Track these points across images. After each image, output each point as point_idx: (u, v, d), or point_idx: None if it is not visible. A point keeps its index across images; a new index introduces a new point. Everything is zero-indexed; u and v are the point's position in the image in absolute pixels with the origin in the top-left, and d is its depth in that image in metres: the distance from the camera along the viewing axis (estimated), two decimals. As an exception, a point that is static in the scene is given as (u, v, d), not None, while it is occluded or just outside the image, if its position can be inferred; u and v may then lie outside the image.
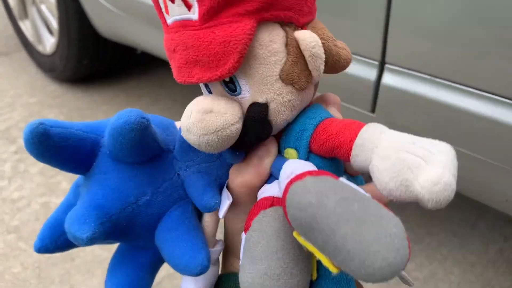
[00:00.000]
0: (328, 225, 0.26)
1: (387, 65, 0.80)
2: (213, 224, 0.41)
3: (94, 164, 0.37)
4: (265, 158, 0.37)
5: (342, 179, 0.30)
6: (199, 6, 0.31)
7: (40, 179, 1.48)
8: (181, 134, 0.35)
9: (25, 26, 2.09)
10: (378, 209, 0.26)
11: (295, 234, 0.31)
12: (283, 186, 0.32)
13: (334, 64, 0.36)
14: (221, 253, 0.44)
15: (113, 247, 1.26)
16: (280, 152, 0.38)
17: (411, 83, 0.78)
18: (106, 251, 1.20)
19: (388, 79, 0.80)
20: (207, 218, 0.41)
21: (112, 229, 0.36)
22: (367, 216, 0.26)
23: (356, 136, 0.33)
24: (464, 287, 1.09)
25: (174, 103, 1.90)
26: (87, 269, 1.16)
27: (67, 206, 0.40)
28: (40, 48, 2.02)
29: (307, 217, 0.27)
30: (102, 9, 1.56)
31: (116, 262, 0.41)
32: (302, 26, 0.35)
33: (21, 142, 1.67)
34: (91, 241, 0.33)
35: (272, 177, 0.38)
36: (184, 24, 0.33)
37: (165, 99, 1.93)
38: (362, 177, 0.41)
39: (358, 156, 0.32)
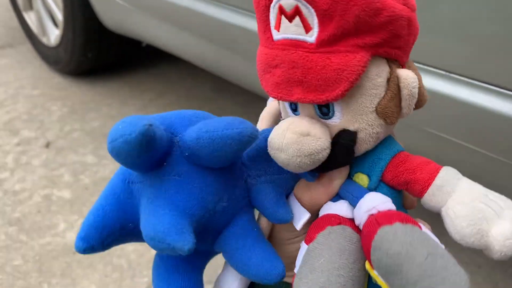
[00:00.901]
0: (411, 276, 0.30)
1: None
2: (267, 230, 0.42)
3: (165, 164, 0.35)
4: (336, 179, 0.39)
5: (426, 230, 0.33)
6: (320, 31, 0.32)
7: (43, 171, 1.47)
8: (269, 150, 0.35)
9: (30, 18, 2.07)
10: (455, 266, 0.30)
11: (367, 266, 0.33)
12: (363, 218, 0.35)
13: (418, 102, 0.38)
14: None
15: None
16: (349, 175, 0.39)
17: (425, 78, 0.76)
18: (108, 245, 1.19)
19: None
20: (264, 222, 0.42)
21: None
22: (446, 274, 0.29)
23: (435, 176, 0.35)
24: (471, 289, 1.08)
25: (178, 98, 1.88)
26: (89, 263, 1.15)
27: (116, 203, 0.36)
28: (44, 40, 2.00)
29: (393, 265, 0.31)
30: (108, 2, 1.55)
31: (171, 268, 0.39)
32: (403, 65, 0.37)
33: (23, 134, 1.66)
34: (192, 250, 0.31)
35: (337, 195, 0.39)
36: (296, 44, 0.34)
37: (169, 94, 1.92)
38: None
39: (434, 196, 0.35)
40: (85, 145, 1.60)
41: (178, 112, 0.38)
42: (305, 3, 0.32)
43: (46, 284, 1.10)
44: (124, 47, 1.93)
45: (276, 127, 0.35)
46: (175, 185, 0.35)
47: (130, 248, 1.18)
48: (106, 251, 1.15)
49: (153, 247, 0.32)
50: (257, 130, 0.34)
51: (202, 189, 0.35)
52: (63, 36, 1.83)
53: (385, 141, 0.39)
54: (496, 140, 0.72)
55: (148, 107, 1.82)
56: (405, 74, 0.35)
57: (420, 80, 0.37)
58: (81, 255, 1.17)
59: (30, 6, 2.05)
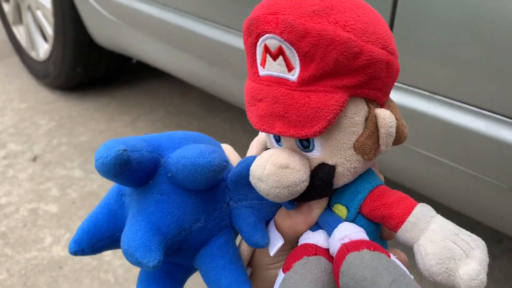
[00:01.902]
0: None
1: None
2: (248, 253, 0.43)
3: (151, 182, 0.38)
4: (315, 208, 0.40)
5: (394, 258, 0.34)
6: (301, 71, 0.34)
7: (29, 185, 1.46)
8: (250, 179, 0.37)
9: (19, 32, 2.08)
10: None
11: None
12: (336, 246, 0.36)
13: (397, 140, 0.39)
14: None
15: (103, 255, 1.23)
16: (328, 205, 0.41)
17: (408, 99, 0.79)
18: (95, 260, 1.19)
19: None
20: (244, 247, 0.43)
21: (165, 251, 0.37)
22: None
23: (410, 213, 0.37)
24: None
25: (166, 114, 1.90)
26: (75, 277, 1.14)
27: (108, 212, 0.40)
28: (33, 54, 2.01)
29: None
30: (99, 18, 1.56)
31: (152, 276, 0.42)
32: (382, 104, 0.38)
33: (10, 147, 1.65)
34: (156, 267, 0.34)
35: (316, 224, 0.41)
36: (279, 81, 0.35)
37: (157, 110, 1.93)
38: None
39: (408, 232, 0.36)
40: (73, 159, 1.59)
41: (170, 134, 0.42)
42: (288, 44, 0.34)
43: (31, 298, 1.09)
44: (114, 63, 1.94)
45: (257, 157, 0.37)
46: (155, 203, 0.38)
47: (117, 263, 1.18)
48: (93, 266, 1.15)
49: (127, 259, 0.35)
50: (226, 161, 0.36)
51: (180, 209, 0.38)
52: (53, 50, 1.83)
53: (365, 174, 0.40)
54: (477, 158, 0.75)
55: (136, 122, 1.83)
56: (382, 114, 0.36)
57: (399, 118, 0.39)
58: (68, 270, 1.16)
59: (19, 20, 2.06)
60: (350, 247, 0.35)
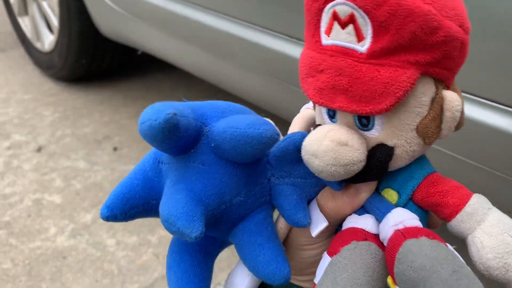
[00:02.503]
0: None
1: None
2: (285, 231, 0.42)
3: (192, 150, 0.36)
4: (362, 192, 0.38)
5: (452, 248, 0.33)
6: (373, 43, 0.32)
7: (33, 175, 1.46)
8: (303, 155, 0.35)
9: (24, 23, 2.07)
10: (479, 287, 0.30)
11: (389, 281, 0.33)
12: (389, 232, 0.35)
13: (457, 126, 0.37)
14: None
15: (106, 246, 1.24)
16: (377, 189, 0.39)
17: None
18: (98, 251, 1.19)
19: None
20: (281, 225, 0.42)
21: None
22: None
23: (466, 203, 0.35)
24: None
25: (171, 106, 1.89)
26: (79, 267, 1.14)
27: (143, 178, 0.38)
28: (38, 45, 2.00)
29: (417, 278, 0.30)
30: (105, 9, 1.56)
31: (184, 248, 0.41)
32: (449, 87, 0.36)
33: (15, 137, 1.65)
34: (199, 238, 0.33)
35: (362, 208, 0.39)
36: (346, 52, 0.33)
37: (162, 103, 1.92)
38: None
39: (463, 222, 0.35)
40: (77, 151, 1.59)
41: (213, 103, 0.40)
42: (362, 12, 0.31)
43: (35, 288, 1.09)
44: (119, 55, 1.94)
45: (313, 132, 0.35)
46: (197, 173, 0.36)
47: (120, 254, 1.18)
48: (97, 256, 1.15)
49: (166, 228, 0.33)
50: (277, 134, 0.34)
51: (221, 181, 0.36)
52: (58, 42, 1.83)
53: (419, 160, 0.38)
54: (484, 150, 0.74)
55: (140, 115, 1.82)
56: (450, 96, 0.35)
57: (463, 103, 0.37)
58: (72, 260, 1.16)
59: (25, 11, 2.05)
60: (407, 233, 0.33)
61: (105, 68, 2.02)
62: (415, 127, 0.35)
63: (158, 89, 2.04)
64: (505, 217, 0.34)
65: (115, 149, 1.60)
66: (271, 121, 0.43)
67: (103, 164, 1.53)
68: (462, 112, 0.37)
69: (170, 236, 0.41)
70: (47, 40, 1.92)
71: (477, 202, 0.35)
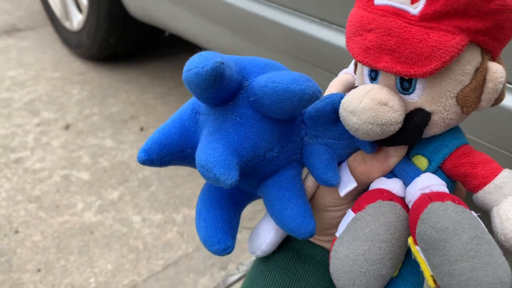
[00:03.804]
0: (454, 254, 0.30)
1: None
2: (312, 190, 0.43)
3: (231, 103, 0.37)
4: (392, 156, 0.39)
5: (476, 215, 0.33)
6: (427, 5, 0.32)
7: (62, 152, 1.50)
8: (340, 112, 0.35)
9: (54, 2, 2.10)
10: (499, 256, 0.31)
11: (410, 240, 0.34)
12: (415, 195, 0.35)
13: (497, 99, 0.37)
14: None
15: (132, 222, 1.26)
16: (408, 155, 0.39)
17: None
18: (125, 227, 1.21)
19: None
20: (309, 183, 0.43)
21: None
22: (489, 259, 0.30)
23: (496, 176, 0.36)
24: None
25: (196, 88, 1.90)
26: (106, 243, 1.18)
27: (181, 127, 0.39)
28: (67, 24, 2.03)
29: (438, 239, 0.31)
30: (134, -12, 1.57)
31: (215, 197, 0.42)
32: (494, 59, 0.36)
33: (44, 115, 1.68)
34: (233, 185, 0.34)
35: (391, 173, 0.40)
36: (397, 13, 0.33)
37: (187, 84, 1.93)
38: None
39: (490, 194, 0.35)
40: (104, 129, 1.62)
41: (253, 59, 0.40)
42: None
43: (63, 260, 1.12)
44: (146, 35, 1.95)
45: (353, 90, 0.35)
46: (234, 124, 0.37)
47: (146, 231, 1.20)
48: (123, 232, 1.17)
49: (202, 174, 0.35)
50: (319, 91, 0.34)
51: (257, 135, 0.37)
52: (86, 21, 1.85)
53: (453, 130, 0.39)
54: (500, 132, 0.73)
55: (166, 96, 1.84)
56: (495, 68, 0.34)
57: (506, 76, 0.37)
58: (99, 235, 1.19)
59: (54, -10, 2.08)
60: (433, 196, 0.34)
61: (132, 49, 2.04)
62: (456, 95, 0.35)
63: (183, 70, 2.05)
64: None
65: (141, 129, 1.63)
66: None
67: (129, 143, 1.55)
68: (504, 86, 0.37)
69: (194, 215, 0.42)
70: (76, 19, 1.94)
71: (507, 176, 0.35)
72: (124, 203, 1.30)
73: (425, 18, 0.32)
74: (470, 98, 0.35)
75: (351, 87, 0.45)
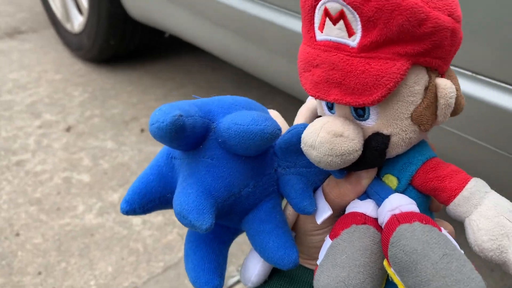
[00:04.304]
0: (425, 275, 0.31)
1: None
2: (293, 218, 0.44)
3: (202, 146, 0.39)
4: (364, 178, 0.40)
5: (445, 233, 0.34)
6: (363, 37, 0.33)
7: (63, 154, 1.50)
8: (302, 146, 0.36)
9: (55, 4, 2.10)
10: (471, 270, 0.31)
11: (385, 263, 0.35)
12: (386, 217, 0.36)
13: (454, 111, 0.38)
14: None
15: (133, 225, 1.26)
16: (378, 175, 0.40)
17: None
18: (125, 229, 1.21)
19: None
20: (289, 212, 0.44)
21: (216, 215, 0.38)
22: (461, 276, 0.30)
23: (463, 187, 0.36)
24: None
25: (198, 89, 1.90)
26: (106, 245, 1.18)
27: (158, 174, 0.41)
28: (68, 26, 2.03)
29: (409, 262, 0.32)
30: (134, -10, 1.57)
31: (201, 238, 0.43)
32: (443, 74, 0.37)
33: (45, 117, 1.69)
34: (209, 230, 0.35)
35: (364, 194, 0.41)
36: (337, 47, 0.34)
37: (189, 85, 1.93)
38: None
39: (460, 206, 0.36)
40: (105, 131, 1.62)
41: (220, 99, 0.41)
42: (350, 8, 0.32)
43: (64, 263, 1.13)
44: (147, 36, 1.95)
45: (310, 124, 0.36)
46: (207, 167, 0.38)
47: (146, 233, 1.20)
48: (123, 235, 1.17)
49: (179, 221, 0.36)
50: (279, 129, 0.36)
51: (230, 174, 0.38)
52: (87, 23, 1.85)
53: (418, 146, 0.39)
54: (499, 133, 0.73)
55: (168, 97, 1.84)
56: (443, 84, 0.35)
57: (458, 89, 0.37)
58: (99, 238, 1.19)
59: (55, -8, 2.08)
60: (401, 218, 0.34)
61: (133, 50, 2.04)
62: (410, 115, 0.36)
63: (185, 71, 2.05)
64: (503, 200, 0.35)
65: (142, 130, 1.63)
66: (277, 113, 0.45)
67: (130, 145, 1.55)
68: (459, 97, 0.37)
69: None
70: (77, 21, 1.95)
71: (474, 186, 0.36)
72: (125, 205, 1.30)
73: (364, 49, 0.33)
74: (425, 116, 0.36)
75: (317, 113, 0.46)
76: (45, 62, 2.09)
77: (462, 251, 0.33)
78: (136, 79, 1.98)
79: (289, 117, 0.48)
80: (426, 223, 0.34)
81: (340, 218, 0.39)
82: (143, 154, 1.50)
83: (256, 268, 0.45)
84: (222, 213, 0.39)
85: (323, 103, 0.39)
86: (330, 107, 0.39)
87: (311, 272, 0.46)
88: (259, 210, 0.41)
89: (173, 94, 1.86)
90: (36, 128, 1.63)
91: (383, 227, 0.36)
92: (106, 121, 1.68)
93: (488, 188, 0.36)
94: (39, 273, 1.10)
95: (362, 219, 0.38)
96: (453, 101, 0.36)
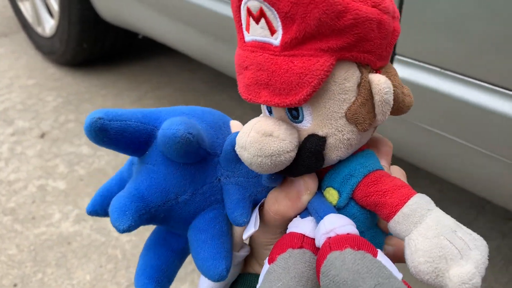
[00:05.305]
0: None
1: (397, 56, 0.79)
2: (242, 230, 0.42)
3: (147, 152, 0.39)
4: (304, 194, 0.38)
5: (380, 257, 0.32)
6: (283, 34, 0.32)
7: (37, 161, 1.47)
8: (236, 148, 0.35)
9: (25, 7, 2.06)
10: None
11: None
12: (321, 240, 0.34)
13: (397, 109, 0.36)
14: None
15: (111, 231, 1.25)
16: (320, 188, 0.38)
17: (419, 75, 0.77)
18: (103, 236, 1.19)
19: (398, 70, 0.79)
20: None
21: (151, 219, 0.39)
22: None
23: (404, 203, 0.33)
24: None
25: (174, 90, 1.88)
26: (84, 253, 1.16)
27: (120, 179, 0.43)
28: (39, 30, 1.99)
29: None
30: (105, -8, 1.54)
31: (151, 243, 0.43)
32: (377, 70, 0.35)
33: (18, 124, 1.65)
34: (127, 231, 0.36)
35: (306, 210, 0.38)
36: (263, 46, 0.33)
37: (165, 87, 1.91)
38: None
39: (400, 224, 0.33)
40: (80, 136, 1.60)
41: (175, 109, 0.41)
42: (267, 5, 0.31)
43: (41, 273, 1.10)
44: (120, 39, 1.92)
45: (244, 126, 0.35)
46: (147, 172, 0.39)
47: (124, 239, 1.19)
48: (101, 242, 1.15)
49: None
50: (189, 133, 0.35)
51: (165, 180, 0.38)
52: (59, 26, 1.82)
53: (361, 157, 0.37)
54: (487, 135, 0.73)
55: (143, 99, 1.82)
56: (376, 80, 0.33)
57: (398, 86, 0.36)
58: (76, 246, 1.17)
59: (25, -5, 2.04)
60: (333, 245, 0.32)
61: (107, 53, 2.01)
62: (344, 114, 0.34)
63: (161, 72, 2.03)
64: (446, 218, 0.33)
65: (118, 134, 1.61)
66: (238, 123, 0.44)
67: (106, 150, 1.53)
68: (401, 94, 0.35)
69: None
70: (48, 25, 1.91)
71: (416, 203, 0.33)
72: (102, 212, 1.28)
73: (286, 47, 0.32)
74: (361, 115, 0.34)
75: None
76: (17, 67, 2.04)
77: (400, 276, 0.31)
78: (111, 82, 1.95)
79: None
80: (358, 249, 0.31)
81: (278, 241, 0.37)
82: (119, 159, 1.48)
83: (205, 284, 0.44)
84: (160, 218, 0.39)
85: (264, 106, 0.38)
86: (270, 110, 0.37)
87: None
88: (200, 219, 0.40)
89: (148, 97, 1.84)
90: (8, 136, 1.59)
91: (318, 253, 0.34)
92: (81, 126, 1.65)
93: (432, 205, 0.34)
94: (15, 285, 1.07)
95: (299, 242, 0.36)
96: (389, 97, 0.34)
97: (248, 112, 1.72)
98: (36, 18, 1.97)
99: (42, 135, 1.60)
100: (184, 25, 1.32)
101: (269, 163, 0.33)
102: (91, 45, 1.85)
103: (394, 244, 0.40)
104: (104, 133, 0.36)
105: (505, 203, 0.82)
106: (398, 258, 0.39)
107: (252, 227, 0.39)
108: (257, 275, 0.43)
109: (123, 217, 0.36)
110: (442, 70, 0.75)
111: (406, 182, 0.39)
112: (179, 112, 0.41)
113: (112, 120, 0.36)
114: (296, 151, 0.34)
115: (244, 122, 0.45)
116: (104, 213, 0.42)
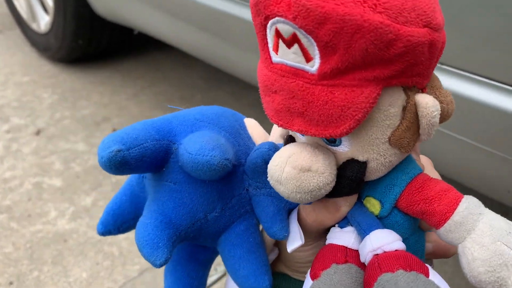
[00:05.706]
0: None
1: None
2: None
3: (164, 169, 0.36)
4: (343, 206, 0.36)
5: (433, 277, 0.30)
6: (322, 63, 0.28)
7: (33, 159, 1.46)
8: (269, 179, 0.33)
9: (19, 4, 2.04)
10: None
11: None
12: (367, 257, 0.33)
13: (441, 120, 0.34)
14: None
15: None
16: (360, 197, 0.36)
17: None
18: (99, 233, 1.19)
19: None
20: None
21: (180, 241, 0.37)
22: None
23: (454, 210, 0.32)
24: (458, 276, 1.09)
25: (170, 86, 1.88)
26: (80, 250, 1.15)
27: (131, 194, 0.40)
28: (34, 26, 1.98)
29: None
30: (99, -12, 1.53)
31: (177, 258, 0.42)
32: (423, 88, 0.32)
33: (14, 121, 1.64)
34: (164, 264, 0.34)
35: (345, 219, 0.37)
36: (296, 73, 0.30)
37: (161, 83, 1.90)
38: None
39: (452, 232, 0.32)
40: (76, 133, 1.59)
41: (183, 116, 0.39)
42: (304, 32, 0.28)
43: (37, 271, 1.10)
44: (116, 35, 1.91)
45: (276, 154, 0.33)
46: (169, 192, 0.36)
47: (121, 236, 1.18)
48: (98, 239, 1.15)
49: (141, 255, 0.35)
50: (226, 159, 0.34)
51: (192, 200, 0.36)
52: (54, 23, 1.80)
53: (402, 164, 0.35)
54: (484, 130, 0.73)
55: (139, 95, 1.81)
56: (424, 102, 0.31)
57: (443, 101, 0.33)
58: (73, 244, 1.17)
59: (19, -9, 2.02)
60: (383, 265, 0.31)
61: (103, 49, 2.00)
62: (387, 139, 0.32)
63: (156, 68, 2.02)
64: (498, 220, 0.31)
65: (114, 130, 1.60)
66: (254, 122, 0.42)
67: (102, 146, 1.52)
68: (447, 107, 0.33)
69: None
70: (43, 21, 1.90)
71: (466, 209, 0.32)
72: (98, 209, 1.27)
73: (325, 76, 0.29)
74: (405, 138, 0.32)
75: None
76: (12, 64, 2.03)
77: None
78: (107, 79, 1.94)
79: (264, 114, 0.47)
80: (410, 270, 0.30)
81: (319, 254, 0.36)
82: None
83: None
84: (189, 238, 0.37)
85: None
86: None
87: (300, 283, 0.43)
88: (231, 233, 0.38)
89: (144, 93, 1.83)
90: (4, 133, 1.58)
91: (366, 268, 0.33)
92: (77, 123, 1.64)
93: (482, 208, 0.32)
94: (11, 283, 1.07)
95: (343, 256, 0.34)
96: (437, 120, 0.31)
97: (245, 108, 1.71)
98: (31, 14, 1.95)
99: (38, 132, 1.59)
100: (180, 21, 1.31)
101: (309, 198, 0.31)
102: (87, 41, 1.84)
103: (433, 240, 0.39)
104: (125, 165, 0.33)
105: (502, 199, 0.81)
106: (437, 254, 0.39)
107: (299, 241, 0.37)
108: (282, 274, 0.43)
109: (157, 251, 0.33)
110: (439, 65, 0.74)
111: (435, 170, 0.37)
112: (191, 119, 0.38)
113: (131, 148, 0.33)
114: (335, 180, 0.32)
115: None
116: (118, 232, 0.40)
